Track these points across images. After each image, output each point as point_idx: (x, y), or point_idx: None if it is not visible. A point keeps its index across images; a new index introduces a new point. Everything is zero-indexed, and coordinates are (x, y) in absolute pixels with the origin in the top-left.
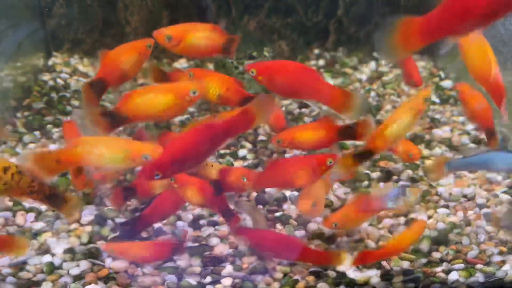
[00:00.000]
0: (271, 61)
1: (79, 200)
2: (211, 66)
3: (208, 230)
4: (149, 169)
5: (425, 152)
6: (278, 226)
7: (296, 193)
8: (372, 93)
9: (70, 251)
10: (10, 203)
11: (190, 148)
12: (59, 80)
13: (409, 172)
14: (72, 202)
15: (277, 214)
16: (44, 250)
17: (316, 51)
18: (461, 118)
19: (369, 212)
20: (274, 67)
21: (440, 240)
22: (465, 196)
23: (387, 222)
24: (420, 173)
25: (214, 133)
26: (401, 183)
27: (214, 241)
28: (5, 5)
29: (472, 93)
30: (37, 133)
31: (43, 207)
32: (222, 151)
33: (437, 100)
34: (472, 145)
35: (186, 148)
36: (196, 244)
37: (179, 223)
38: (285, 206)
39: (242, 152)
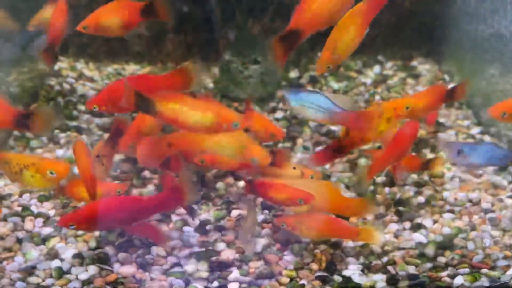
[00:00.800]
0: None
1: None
2: (215, 69)
3: (215, 235)
4: (66, 218)
5: (430, 156)
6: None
7: None
8: (377, 97)
9: (78, 256)
10: (19, 209)
11: (110, 214)
12: (65, 85)
13: (414, 176)
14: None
15: None
16: (53, 255)
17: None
18: (466, 122)
19: None
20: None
21: (445, 245)
22: (470, 200)
23: (393, 227)
24: (425, 177)
25: (139, 207)
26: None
27: (221, 246)
28: (11, 9)
29: None
30: (44, 138)
31: (51, 212)
32: None
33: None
34: None
35: (107, 212)
36: (203, 249)
37: (186, 228)
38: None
39: None
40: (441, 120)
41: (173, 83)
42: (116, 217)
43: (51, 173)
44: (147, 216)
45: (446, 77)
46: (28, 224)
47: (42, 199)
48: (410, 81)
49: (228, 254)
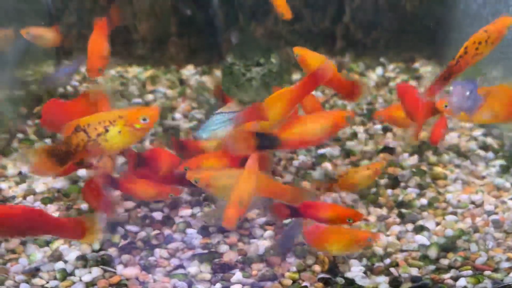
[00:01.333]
0: None
1: None
2: (218, 72)
3: (217, 237)
4: None
5: (433, 159)
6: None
7: None
8: (379, 99)
9: (82, 258)
10: None
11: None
12: (69, 88)
13: (417, 178)
14: None
15: (286, 221)
16: (57, 257)
17: None
18: (468, 124)
19: None
20: None
21: (448, 247)
22: (473, 202)
23: (395, 228)
24: (428, 179)
25: (35, 222)
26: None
27: (223, 248)
28: (15, 12)
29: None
30: (47, 140)
31: (55, 215)
32: None
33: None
34: (481, 151)
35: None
36: (206, 251)
37: (189, 230)
38: None
39: None
40: None
41: (83, 108)
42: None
43: (144, 119)
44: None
45: None
46: None
47: (46, 201)
48: (412, 83)
49: (230, 256)
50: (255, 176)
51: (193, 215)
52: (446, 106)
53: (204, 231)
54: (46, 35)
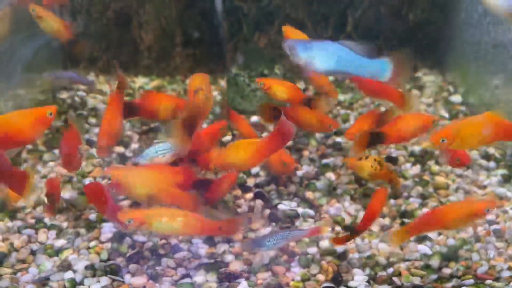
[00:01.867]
0: None
1: None
2: (223, 82)
3: (223, 247)
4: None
5: (435, 168)
6: (291, 243)
7: (310, 211)
8: (382, 108)
9: (90, 267)
10: (33, 221)
11: None
12: (76, 98)
13: (419, 188)
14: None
15: None
16: (66, 266)
17: None
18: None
19: None
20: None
21: (450, 256)
22: None
23: None
24: (430, 189)
25: None
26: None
27: (229, 257)
28: (23, 22)
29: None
30: (56, 151)
31: (64, 224)
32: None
33: (446, 115)
34: (482, 161)
35: None
36: (212, 260)
37: (195, 240)
38: (297, 223)
39: (254, 169)
40: None
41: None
42: None
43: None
44: None
45: (451, 88)
46: (41, 236)
47: (54, 211)
48: (415, 92)
49: (236, 266)
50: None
51: None
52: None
53: (210, 241)
54: (50, 19)
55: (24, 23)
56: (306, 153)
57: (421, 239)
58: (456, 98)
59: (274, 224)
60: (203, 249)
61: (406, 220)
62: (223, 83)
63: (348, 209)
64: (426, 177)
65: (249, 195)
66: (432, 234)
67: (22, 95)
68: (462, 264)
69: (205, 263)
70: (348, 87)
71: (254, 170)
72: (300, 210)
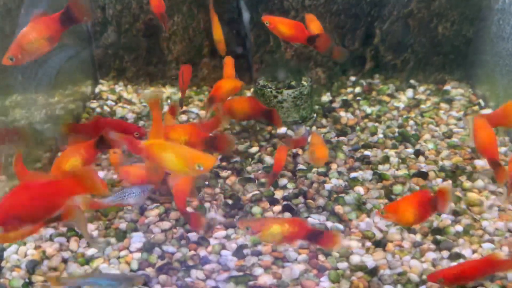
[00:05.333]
0: None
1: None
2: (249, 93)
3: (252, 260)
4: None
5: (467, 184)
6: (321, 257)
7: (339, 225)
8: (410, 122)
9: None
10: (64, 229)
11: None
12: (105, 107)
13: (451, 204)
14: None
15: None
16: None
17: (353, 78)
18: (503, 149)
19: None
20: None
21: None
22: (509, 230)
23: (430, 255)
24: (463, 205)
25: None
26: None
27: (258, 270)
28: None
29: (480, 122)
30: None
31: (95, 233)
32: (262, 180)
33: None
34: None
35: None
36: (241, 273)
37: (223, 252)
38: None
39: (282, 182)
40: None
41: None
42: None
43: None
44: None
45: (481, 102)
46: (73, 245)
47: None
48: (443, 105)
49: (265, 279)
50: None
51: (227, 237)
52: None
53: (239, 253)
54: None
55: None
56: (334, 166)
57: (454, 257)
58: (487, 112)
59: None
60: (232, 261)
61: (438, 237)
62: (249, 94)
63: (378, 224)
64: (458, 193)
65: (277, 208)
66: (466, 252)
67: (53, 104)
68: (497, 283)
69: (234, 276)
70: (375, 99)
71: (282, 182)
72: (329, 224)
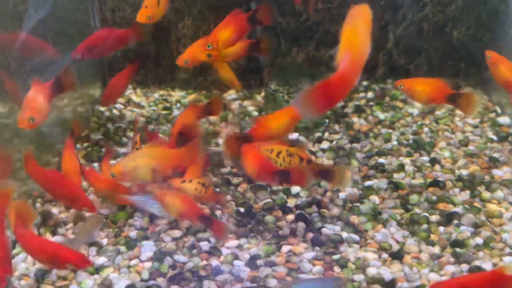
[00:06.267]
0: None
1: (348, 171)
2: (259, 97)
3: (266, 271)
4: None
5: (486, 195)
6: (336, 269)
7: (355, 236)
8: (425, 129)
9: (131, 287)
10: (73, 237)
11: None
12: (114, 111)
13: (470, 216)
14: (340, 173)
15: (335, 256)
16: (107, 285)
17: (365, 83)
18: None
19: None
20: None
21: None
22: None
23: (449, 268)
24: (482, 217)
25: None
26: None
27: (272, 282)
28: (66, 37)
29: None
30: (96, 164)
31: (104, 241)
32: (275, 188)
33: (494, 138)
34: None
35: None
36: (255, 284)
37: (236, 262)
38: (342, 248)
39: (295, 189)
40: (495, 155)
41: None
42: None
43: None
44: None
45: (498, 109)
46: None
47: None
48: (458, 112)
49: None
50: None
51: (239, 247)
52: None
53: (252, 263)
54: None
55: (64, 36)
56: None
57: (474, 270)
58: (504, 120)
59: (318, 248)
60: (245, 272)
61: (458, 249)
62: (260, 98)
63: (395, 235)
64: (477, 203)
65: (290, 217)
66: (486, 265)
67: (62, 107)
68: None
69: (247, 287)
70: (389, 105)
71: (295, 190)
72: (344, 234)
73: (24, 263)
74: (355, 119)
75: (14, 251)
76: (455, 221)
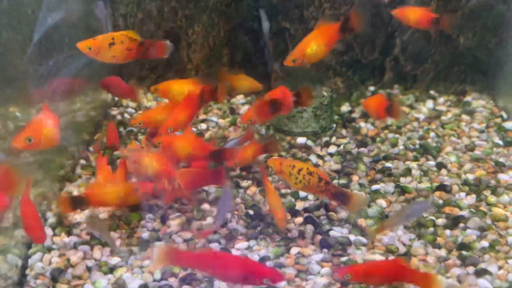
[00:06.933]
0: None
1: (364, 198)
2: None
3: None
4: None
5: (492, 199)
6: None
7: (362, 239)
8: (432, 134)
9: (144, 286)
10: (88, 237)
11: None
12: (126, 115)
13: (476, 219)
14: (356, 200)
15: (343, 258)
16: (120, 284)
17: (372, 88)
18: None
19: None
20: None
21: None
22: None
23: (455, 271)
24: (488, 221)
25: None
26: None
27: (281, 284)
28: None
29: None
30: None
31: (117, 242)
32: (283, 191)
33: (500, 143)
34: None
35: None
36: (264, 286)
37: None
38: (350, 250)
39: (303, 192)
40: (501, 159)
41: None
42: None
43: None
44: None
45: (504, 114)
46: (96, 253)
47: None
48: (465, 117)
49: None
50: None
51: (249, 248)
52: None
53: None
54: None
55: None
56: (355, 178)
57: (480, 273)
58: (510, 125)
59: (326, 250)
60: None
61: (464, 252)
62: None
63: (402, 238)
64: (483, 207)
65: (299, 219)
66: (492, 268)
67: (74, 110)
68: None
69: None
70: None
71: (303, 193)
72: (352, 237)
73: (40, 263)
74: (362, 124)
75: (30, 251)
76: (461, 225)
